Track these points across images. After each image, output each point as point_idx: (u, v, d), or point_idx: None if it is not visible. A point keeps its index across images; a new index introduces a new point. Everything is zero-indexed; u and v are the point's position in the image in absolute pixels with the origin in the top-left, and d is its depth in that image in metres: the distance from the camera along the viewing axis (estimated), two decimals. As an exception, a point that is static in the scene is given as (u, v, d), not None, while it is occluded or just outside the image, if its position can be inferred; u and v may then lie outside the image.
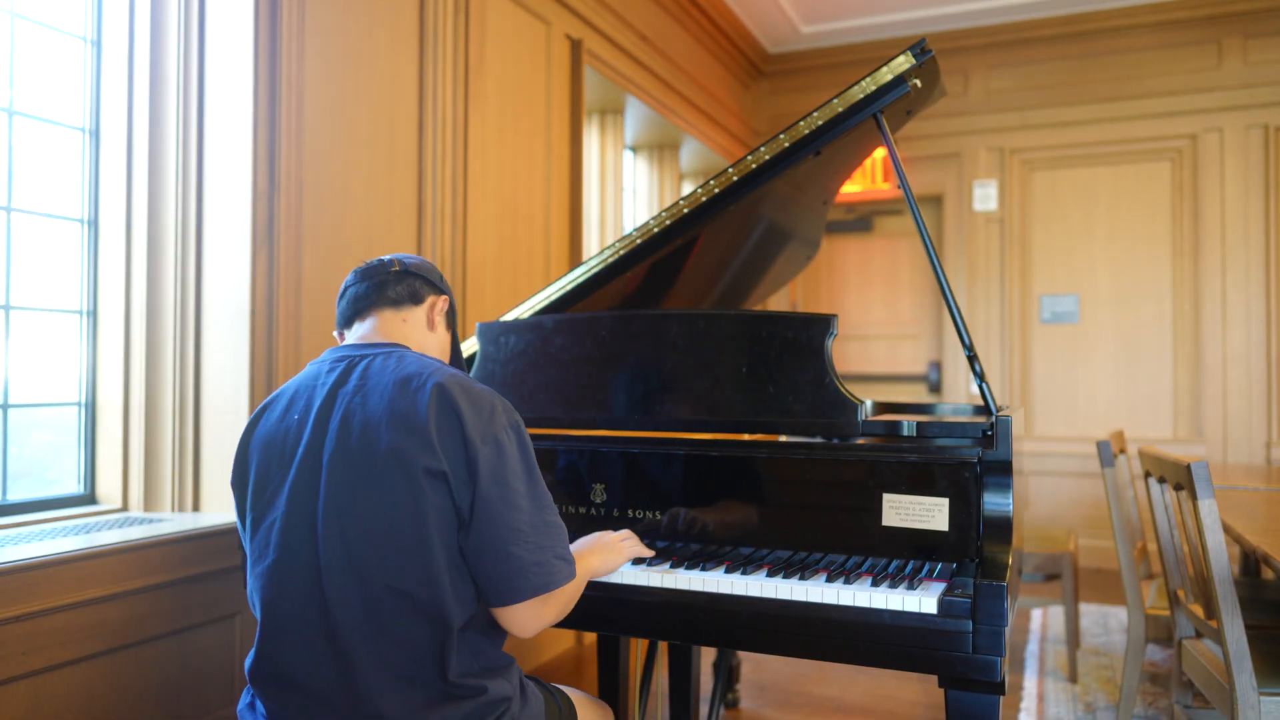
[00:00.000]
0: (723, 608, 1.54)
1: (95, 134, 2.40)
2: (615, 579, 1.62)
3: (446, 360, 1.63)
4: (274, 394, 1.46)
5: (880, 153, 5.36)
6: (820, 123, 1.89)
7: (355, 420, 1.32)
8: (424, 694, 1.29)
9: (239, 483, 1.44)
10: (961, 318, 1.82)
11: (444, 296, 1.59)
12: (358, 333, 1.51)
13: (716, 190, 1.99)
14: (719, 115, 5.45)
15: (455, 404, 1.30)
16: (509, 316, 2.16)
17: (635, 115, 4.72)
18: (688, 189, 5.68)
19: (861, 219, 6.15)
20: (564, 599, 1.39)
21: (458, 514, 1.29)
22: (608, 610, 1.62)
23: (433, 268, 1.63)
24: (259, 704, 1.37)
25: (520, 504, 1.30)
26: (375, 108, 2.79)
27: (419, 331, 1.55)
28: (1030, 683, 3.33)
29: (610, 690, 2.40)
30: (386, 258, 1.58)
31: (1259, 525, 2.32)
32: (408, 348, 1.47)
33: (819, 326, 1.73)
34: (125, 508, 2.39)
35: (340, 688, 1.29)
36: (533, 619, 1.34)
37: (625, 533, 1.72)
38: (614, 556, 1.63)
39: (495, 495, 1.29)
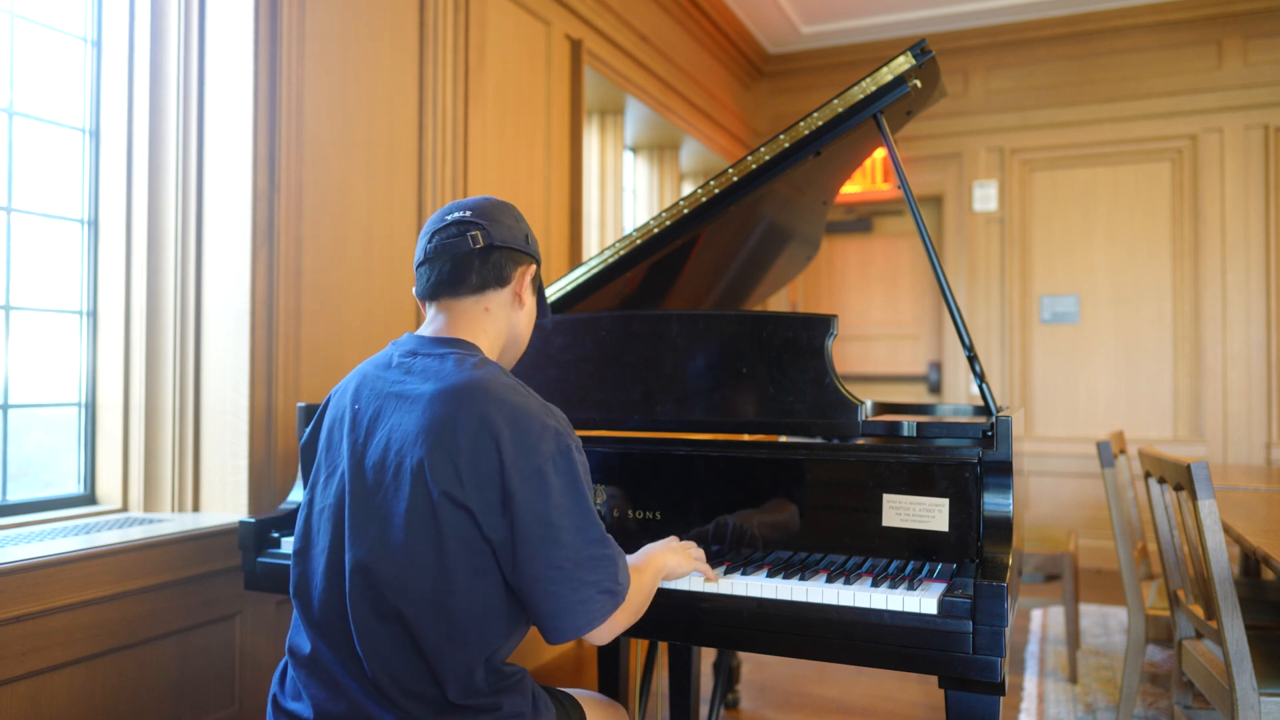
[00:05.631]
0: (723, 608, 1.54)
1: (95, 134, 2.40)
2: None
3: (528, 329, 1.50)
4: (354, 371, 1.42)
5: (880, 153, 5.36)
6: (820, 123, 1.89)
7: (397, 431, 1.27)
8: (435, 713, 1.27)
9: (309, 448, 1.44)
10: (961, 318, 1.82)
11: (532, 265, 1.45)
12: (433, 323, 1.40)
13: (716, 191, 1.99)
14: (719, 115, 5.44)
15: (497, 436, 1.22)
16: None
17: (635, 115, 4.72)
18: (688, 189, 5.68)
19: (861, 219, 6.15)
20: (631, 607, 1.34)
21: (490, 546, 1.24)
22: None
23: (513, 219, 1.43)
24: (290, 675, 1.37)
25: (563, 540, 1.23)
26: (375, 108, 2.79)
27: (503, 316, 1.42)
28: (1030, 683, 3.33)
29: (610, 691, 2.40)
30: (463, 221, 1.38)
31: (1259, 525, 2.32)
32: (477, 348, 1.37)
33: (819, 327, 1.73)
34: (125, 508, 2.39)
35: (359, 688, 1.28)
36: (599, 636, 1.30)
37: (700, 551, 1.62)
38: (686, 561, 1.55)
39: (536, 534, 1.22)
